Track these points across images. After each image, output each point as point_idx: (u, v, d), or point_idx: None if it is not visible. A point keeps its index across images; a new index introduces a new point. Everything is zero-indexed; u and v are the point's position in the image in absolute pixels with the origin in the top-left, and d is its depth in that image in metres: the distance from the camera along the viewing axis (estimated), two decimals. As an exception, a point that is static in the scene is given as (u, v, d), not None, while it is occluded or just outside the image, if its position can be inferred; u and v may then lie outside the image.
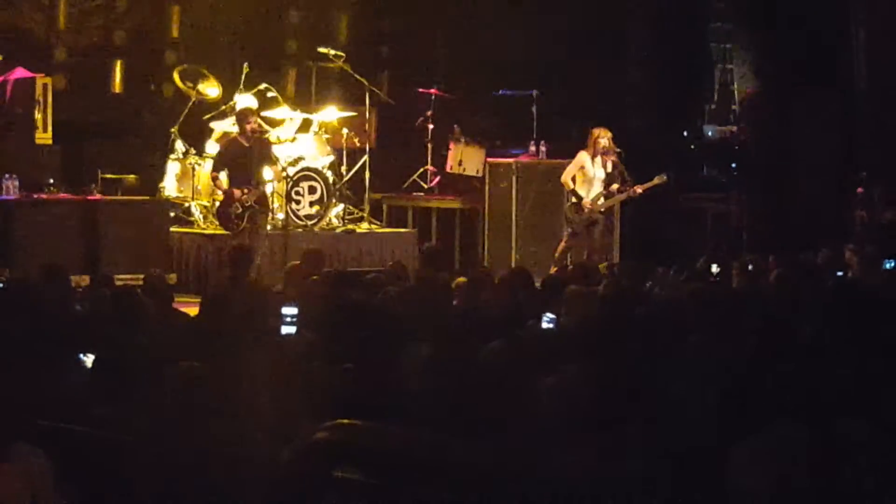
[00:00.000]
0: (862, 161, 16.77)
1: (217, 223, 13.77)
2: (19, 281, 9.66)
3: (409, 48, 17.27)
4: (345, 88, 16.09)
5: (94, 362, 5.47)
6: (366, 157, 15.03)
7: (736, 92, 18.70)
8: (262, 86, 14.67)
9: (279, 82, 15.71)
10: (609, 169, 13.75)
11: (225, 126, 14.43)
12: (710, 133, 18.53)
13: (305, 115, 14.82)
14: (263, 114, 14.42)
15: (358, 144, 15.11)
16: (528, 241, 15.22)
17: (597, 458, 4.11)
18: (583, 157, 13.73)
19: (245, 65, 14.64)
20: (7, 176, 13.16)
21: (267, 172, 13.68)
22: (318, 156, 14.61)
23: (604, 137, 13.65)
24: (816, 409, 4.78)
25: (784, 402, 4.85)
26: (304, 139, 14.70)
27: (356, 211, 15.10)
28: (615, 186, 13.82)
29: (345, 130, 14.98)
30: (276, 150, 13.98)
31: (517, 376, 5.07)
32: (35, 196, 13.46)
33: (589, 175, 13.72)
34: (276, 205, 13.96)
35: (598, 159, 13.70)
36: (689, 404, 4.87)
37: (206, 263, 13.75)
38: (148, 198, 14.16)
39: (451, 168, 15.77)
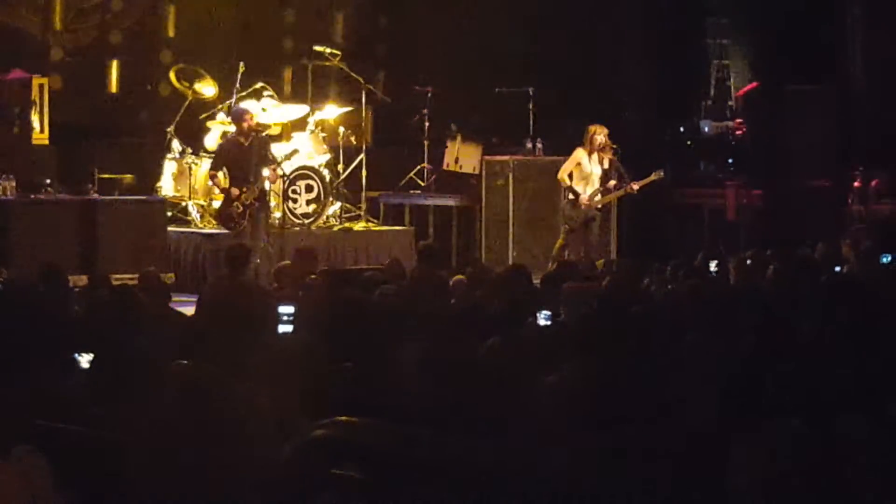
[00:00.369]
0: (858, 156, 16.78)
1: (215, 222, 13.77)
2: (17, 281, 9.66)
3: (405, 46, 17.28)
4: (341, 87, 16.10)
5: (92, 362, 5.47)
6: (362, 156, 15.04)
7: (732, 88, 18.71)
8: (259, 84, 14.68)
9: (275, 81, 15.72)
10: (606, 166, 13.75)
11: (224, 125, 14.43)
12: (706, 129, 18.53)
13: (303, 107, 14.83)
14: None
15: (354, 142, 15.12)
16: (525, 239, 15.23)
17: (596, 456, 4.12)
18: (579, 153, 13.74)
19: (241, 64, 14.64)
20: (4, 176, 13.17)
21: (265, 171, 13.69)
22: (314, 154, 14.61)
23: (600, 134, 13.66)
24: (815, 407, 4.79)
25: (783, 400, 4.85)
26: (300, 137, 14.71)
27: (353, 209, 15.11)
28: (612, 183, 13.82)
29: (341, 129, 14.99)
30: (274, 148, 14.00)
31: (515, 374, 5.07)
32: (32, 196, 13.46)
33: (586, 172, 13.72)
34: (273, 203, 13.95)
35: (595, 156, 13.71)
36: (687, 402, 4.87)
37: (203, 262, 13.75)
38: (145, 197, 14.16)
39: (447, 166, 15.77)
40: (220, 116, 14.58)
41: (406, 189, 16.00)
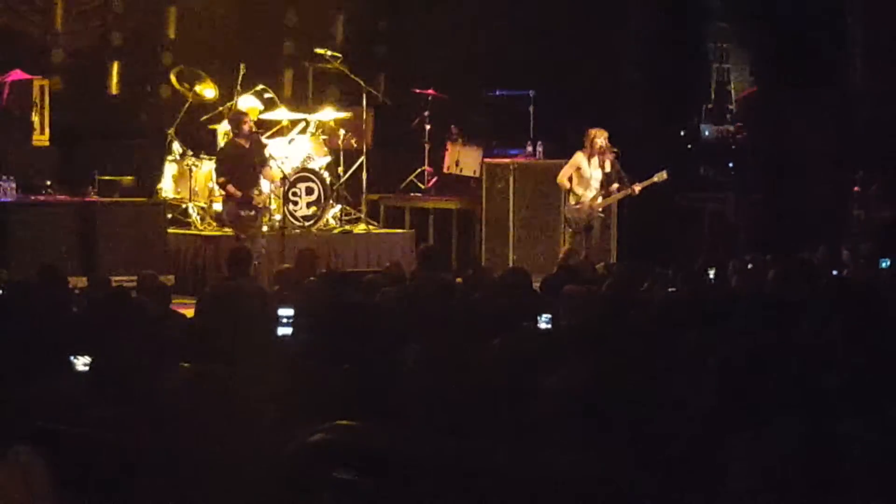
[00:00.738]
0: (859, 160, 16.78)
1: (215, 224, 13.79)
2: (17, 283, 9.66)
3: (405, 49, 17.27)
4: (342, 89, 16.09)
5: (92, 364, 5.47)
6: (363, 158, 15.04)
7: (733, 91, 18.71)
8: (259, 87, 14.68)
9: (276, 83, 15.72)
10: (606, 169, 13.76)
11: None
12: (706, 132, 18.52)
13: (303, 116, 14.84)
14: (261, 116, 14.45)
15: (355, 145, 15.12)
16: (525, 242, 15.23)
17: (597, 458, 4.12)
18: (579, 157, 13.74)
19: (242, 66, 14.64)
20: (4, 178, 13.17)
21: (264, 173, 13.72)
22: (315, 157, 14.62)
23: (600, 137, 13.66)
24: (815, 409, 4.79)
25: (782, 402, 4.85)
26: (301, 140, 14.72)
27: (353, 212, 15.12)
28: (615, 186, 13.82)
29: (342, 131, 15.00)
30: (273, 150, 14.01)
31: (516, 377, 5.07)
32: (32, 198, 13.47)
33: (586, 175, 13.73)
34: (273, 206, 13.96)
35: (595, 159, 13.71)
36: (687, 404, 4.87)
37: (203, 264, 13.75)
38: (145, 199, 14.16)
39: (448, 168, 15.78)
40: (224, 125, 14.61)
41: (406, 192, 16.01)
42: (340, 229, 14.72)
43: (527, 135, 15.75)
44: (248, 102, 14.40)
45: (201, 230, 14.21)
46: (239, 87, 14.53)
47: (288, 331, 6.88)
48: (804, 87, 17.03)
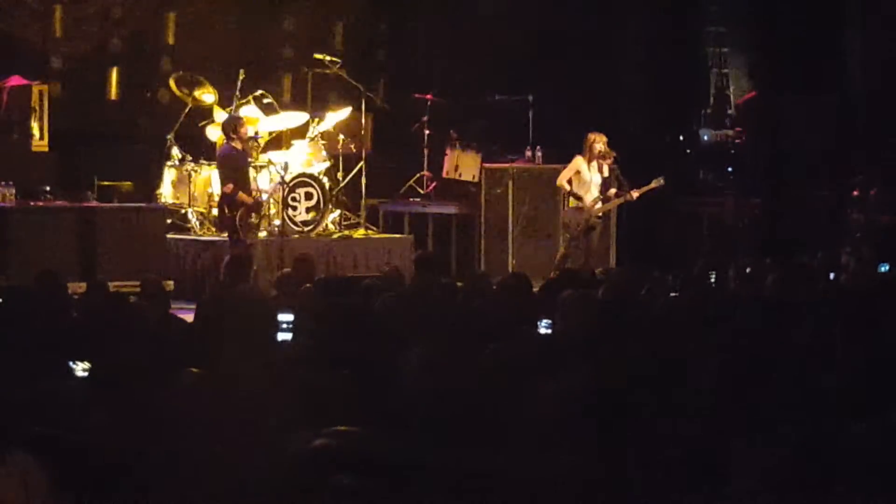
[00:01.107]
0: (857, 164, 16.79)
1: (214, 229, 13.81)
2: (16, 288, 9.65)
3: (404, 54, 17.29)
4: (341, 94, 16.10)
5: (91, 369, 5.47)
6: (362, 163, 15.04)
7: (732, 96, 18.72)
8: (258, 92, 14.69)
9: (275, 89, 15.72)
10: (605, 174, 13.77)
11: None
12: (705, 137, 18.54)
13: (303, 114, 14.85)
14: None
15: (354, 150, 15.12)
16: (524, 247, 15.24)
17: (597, 462, 4.12)
18: (578, 162, 13.75)
19: (241, 71, 14.65)
20: (3, 183, 13.17)
21: (263, 179, 13.74)
22: (314, 161, 14.62)
23: (599, 142, 13.67)
24: (815, 413, 4.79)
25: (782, 407, 4.86)
26: (300, 145, 14.72)
27: (352, 217, 15.12)
28: (613, 191, 13.83)
29: (341, 136, 15.00)
30: (272, 156, 14.03)
31: (516, 382, 5.07)
32: (31, 203, 13.47)
33: (585, 180, 13.73)
34: (272, 211, 13.98)
35: (594, 164, 13.72)
36: (687, 409, 4.87)
37: (202, 270, 13.75)
38: (144, 205, 14.17)
39: (447, 173, 15.78)
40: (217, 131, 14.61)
41: (405, 197, 16.01)
42: (339, 234, 14.72)
43: (526, 140, 15.76)
44: (247, 112, 14.39)
45: (201, 235, 14.21)
46: (238, 93, 14.54)
47: (288, 336, 6.88)
48: (803, 91, 17.04)
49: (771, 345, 6.12)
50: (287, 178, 13.87)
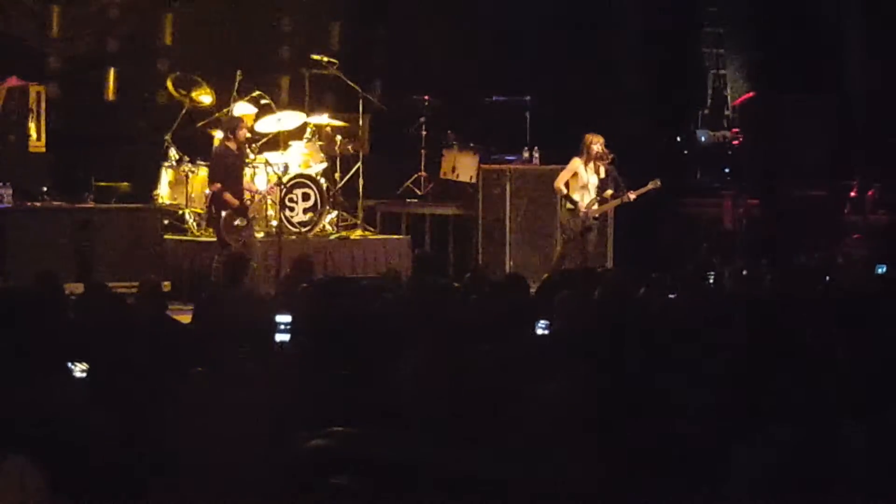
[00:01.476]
0: (855, 165, 16.80)
1: (211, 230, 13.78)
2: (13, 289, 9.64)
3: (402, 55, 17.27)
4: (338, 95, 16.09)
5: (88, 371, 5.46)
6: (359, 164, 15.03)
7: (729, 97, 18.73)
8: (256, 93, 14.68)
9: (273, 90, 15.71)
10: (602, 175, 13.75)
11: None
12: (703, 138, 18.54)
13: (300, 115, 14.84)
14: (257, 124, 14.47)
15: (351, 151, 15.12)
16: (521, 247, 15.23)
17: (596, 463, 4.12)
18: (576, 163, 13.74)
19: (238, 72, 14.63)
20: (1, 184, 13.15)
21: (260, 179, 13.73)
22: (311, 162, 14.61)
23: (597, 143, 13.65)
24: (813, 413, 4.79)
25: (780, 407, 4.86)
26: (297, 146, 14.71)
27: (350, 218, 15.11)
28: (609, 192, 13.82)
29: (338, 137, 14.99)
30: (269, 156, 14.01)
31: (513, 382, 5.07)
32: (29, 204, 13.46)
33: (582, 181, 13.72)
34: (270, 212, 13.97)
35: (592, 165, 13.71)
36: (686, 410, 4.87)
37: (199, 271, 13.73)
38: (141, 205, 14.15)
39: (444, 174, 15.77)
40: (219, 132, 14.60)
41: (403, 197, 16.00)
42: (337, 235, 14.71)
43: (523, 141, 15.75)
44: (242, 109, 14.38)
45: (198, 236, 14.20)
46: (235, 94, 14.52)
47: (286, 337, 6.88)
48: (800, 92, 17.05)
49: (769, 345, 6.11)
50: (284, 179, 13.85)
